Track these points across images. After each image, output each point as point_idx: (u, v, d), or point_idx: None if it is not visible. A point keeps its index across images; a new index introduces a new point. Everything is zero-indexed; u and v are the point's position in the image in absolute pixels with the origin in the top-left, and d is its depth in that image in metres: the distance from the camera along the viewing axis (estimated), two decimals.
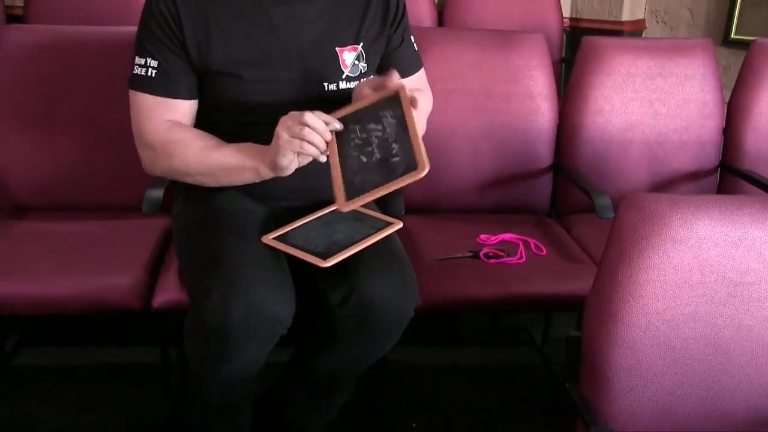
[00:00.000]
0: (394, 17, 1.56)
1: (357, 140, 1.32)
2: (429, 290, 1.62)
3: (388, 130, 1.30)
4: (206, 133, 1.46)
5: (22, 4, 3.06)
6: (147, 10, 1.45)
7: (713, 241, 1.13)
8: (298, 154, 1.30)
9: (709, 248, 1.14)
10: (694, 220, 1.13)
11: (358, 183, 1.27)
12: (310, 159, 1.31)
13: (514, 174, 2.10)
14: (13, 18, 3.04)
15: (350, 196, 1.26)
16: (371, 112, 1.33)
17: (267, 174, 1.37)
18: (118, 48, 1.90)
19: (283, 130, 1.29)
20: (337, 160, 1.31)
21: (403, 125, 1.28)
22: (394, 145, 1.27)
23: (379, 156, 1.28)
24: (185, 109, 1.48)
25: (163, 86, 1.44)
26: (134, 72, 1.46)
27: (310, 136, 1.28)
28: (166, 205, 1.71)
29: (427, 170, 1.22)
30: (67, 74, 1.94)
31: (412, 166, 1.23)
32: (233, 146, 1.41)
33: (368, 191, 1.25)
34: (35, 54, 1.93)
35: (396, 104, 1.31)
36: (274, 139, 1.30)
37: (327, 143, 1.30)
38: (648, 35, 3.47)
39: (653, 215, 1.14)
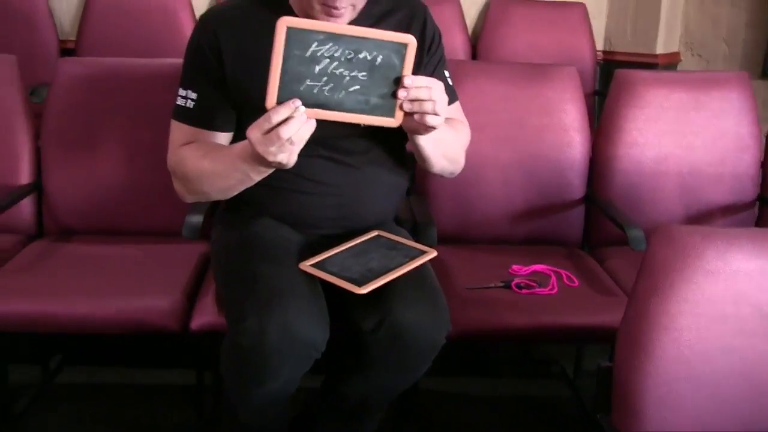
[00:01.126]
0: (429, 49, 1.58)
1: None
2: (460, 319, 1.63)
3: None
4: (203, 144, 1.48)
5: (75, 38, 3.19)
6: (190, 44, 1.51)
7: (747, 273, 1.14)
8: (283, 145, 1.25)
9: (743, 281, 1.14)
10: (727, 253, 1.14)
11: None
12: (302, 142, 1.26)
13: (546, 205, 2.11)
14: (66, 51, 3.16)
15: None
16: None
17: (258, 176, 1.38)
18: (163, 79, 1.97)
19: (252, 133, 1.26)
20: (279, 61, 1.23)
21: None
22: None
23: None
24: (218, 141, 1.52)
25: (198, 117, 1.50)
26: (176, 103, 1.52)
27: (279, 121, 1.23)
28: (206, 231, 1.75)
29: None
30: (114, 104, 2.02)
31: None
32: (220, 154, 1.42)
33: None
34: (85, 85, 2.02)
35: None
36: (251, 148, 1.28)
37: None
38: (683, 68, 3.47)
39: (686, 247, 1.15)
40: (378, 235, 1.55)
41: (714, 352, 1.16)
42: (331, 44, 1.23)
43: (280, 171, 1.39)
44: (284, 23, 1.20)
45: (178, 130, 1.52)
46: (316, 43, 1.22)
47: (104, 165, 2.02)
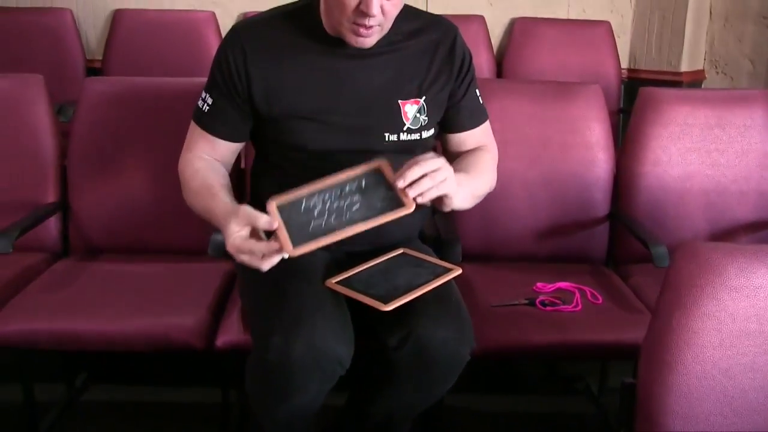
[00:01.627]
0: (459, 71, 1.59)
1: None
2: (485, 336, 1.63)
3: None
4: (211, 175, 1.54)
5: (101, 57, 3.26)
6: (219, 53, 1.55)
7: None
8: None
9: (766, 298, 1.13)
10: (750, 269, 1.14)
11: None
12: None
13: (571, 223, 2.10)
14: (92, 70, 3.22)
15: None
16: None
17: None
18: (188, 97, 1.97)
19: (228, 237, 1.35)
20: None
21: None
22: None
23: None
24: (224, 150, 1.58)
25: (208, 123, 1.56)
26: (197, 103, 1.58)
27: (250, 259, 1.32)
28: None
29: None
30: (140, 122, 2.05)
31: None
32: (215, 202, 1.48)
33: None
34: (112, 103, 2.05)
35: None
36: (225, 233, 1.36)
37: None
38: (708, 86, 3.46)
39: (709, 263, 1.14)
40: (403, 253, 1.56)
41: (737, 369, 1.15)
42: (317, 197, 1.37)
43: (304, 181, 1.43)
44: (273, 205, 1.36)
45: (192, 130, 1.59)
46: (304, 202, 1.36)
47: (130, 183, 2.05)
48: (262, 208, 1.58)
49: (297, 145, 1.52)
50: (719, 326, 1.14)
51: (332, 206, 1.35)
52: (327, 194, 1.37)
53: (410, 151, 1.51)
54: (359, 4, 1.38)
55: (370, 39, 1.45)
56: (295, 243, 1.29)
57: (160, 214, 2.04)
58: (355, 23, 1.41)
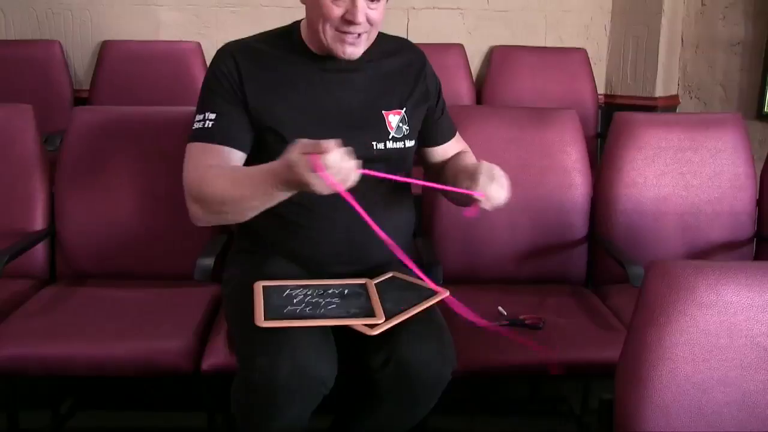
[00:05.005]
0: (437, 93, 1.74)
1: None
2: (467, 356, 1.66)
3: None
4: (225, 166, 1.51)
5: (88, 88, 3.30)
6: (209, 72, 1.60)
7: (740, 306, 1.17)
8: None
9: (736, 313, 1.17)
10: (719, 286, 1.18)
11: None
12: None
13: (550, 245, 2.15)
14: (79, 100, 3.25)
15: None
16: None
17: (283, 195, 1.41)
18: (175, 126, 2.03)
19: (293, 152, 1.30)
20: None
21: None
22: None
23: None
24: (235, 161, 1.54)
25: (218, 135, 1.53)
26: (194, 128, 1.56)
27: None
28: (216, 274, 1.80)
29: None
30: (127, 151, 2.08)
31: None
32: (247, 171, 1.47)
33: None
34: (99, 132, 2.08)
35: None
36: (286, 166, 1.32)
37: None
38: (682, 110, 3.54)
39: (679, 281, 1.18)
40: (393, 276, 1.60)
41: (711, 383, 1.18)
42: (301, 289, 1.46)
43: (290, 206, 1.48)
44: (259, 286, 1.47)
45: (197, 151, 1.53)
46: (288, 290, 1.47)
47: (116, 210, 2.07)
48: (252, 234, 1.63)
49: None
50: (691, 341, 1.17)
51: (311, 300, 1.44)
52: (310, 290, 1.48)
53: (396, 160, 1.61)
54: (345, 13, 1.45)
55: (357, 48, 1.52)
56: (267, 317, 1.36)
57: (146, 239, 2.07)
58: (340, 31, 1.48)
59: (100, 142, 2.08)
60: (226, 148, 1.53)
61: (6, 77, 3.16)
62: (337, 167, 1.27)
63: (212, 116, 1.54)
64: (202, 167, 1.50)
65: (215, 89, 1.56)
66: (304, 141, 1.29)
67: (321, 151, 1.26)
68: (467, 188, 1.48)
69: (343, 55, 1.52)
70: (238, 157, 1.55)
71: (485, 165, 1.49)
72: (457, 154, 1.78)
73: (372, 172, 1.38)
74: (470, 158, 1.76)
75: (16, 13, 3.36)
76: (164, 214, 2.04)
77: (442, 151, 1.78)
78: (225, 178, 1.46)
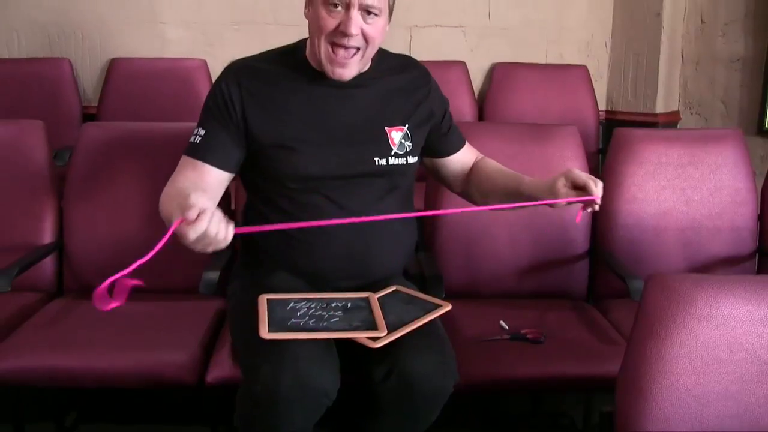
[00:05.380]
0: (443, 112, 1.76)
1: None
2: (469, 370, 1.68)
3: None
4: (183, 183, 1.54)
5: (96, 104, 3.35)
6: (213, 89, 1.63)
7: (739, 319, 1.18)
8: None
9: (736, 326, 1.18)
10: (718, 299, 1.19)
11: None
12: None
13: (552, 260, 2.16)
14: (87, 116, 3.29)
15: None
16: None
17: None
18: (180, 141, 2.02)
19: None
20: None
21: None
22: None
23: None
24: (212, 178, 1.58)
25: (199, 151, 1.58)
26: (189, 140, 1.61)
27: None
28: (221, 288, 1.82)
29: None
30: (134, 165, 2.12)
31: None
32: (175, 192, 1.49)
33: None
34: (108, 147, 2.12)
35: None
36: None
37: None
38: (683, 126, 3.55)
39: (678, 294, 1.20)
40: (396, 290, 1.62)
41: (711, 397, 1.19)
42: (305, 302, 1.49)
43: (292, 221, 1.53)
44: (263, 299, 1.48)
45: (182, 163, 1.60)
46: (292, 303, 1.49)
47: (124, 225, 2.10)
48: (255, 249, 1.66)
49: (290, 174, 1.59)
50: (691, 354, 1.18)
51: (315, 313, 1.46)
52: (314, 303, 1.50)
53: (398, 175, 1.64)
54: (339, 24, 1.48)
55: (348, 70, 1.55)
56: (271, 329, 1.38)
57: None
58: (335, 44, 1.51)
59: (108, 157, 2.12)
60: (207, 166, 1.58)
61: (18, 94, 3.22)
62: (201, 237, 1.25)
63: (202, 132, 1.59)
64: (173, 181, 1.57)
65: (210, 107, 1.61)
66: (191, 200, 1.25)
67: (187, 219, 1.24)
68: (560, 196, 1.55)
69: (332, 75, 1.55)
70: (215, 173, 1.58)
71: (575, 172, 1.55)
72: (496, 166, 1.79)
73: (246, 229, 1.42)
74: (504, 174, 1.77)
75: (29, 32, 3.42)
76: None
77: (458, 160, 1.81)
78: (164, 200, 1.53)
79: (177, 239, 1.27)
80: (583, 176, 1.54)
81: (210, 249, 1.30)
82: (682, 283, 1.21)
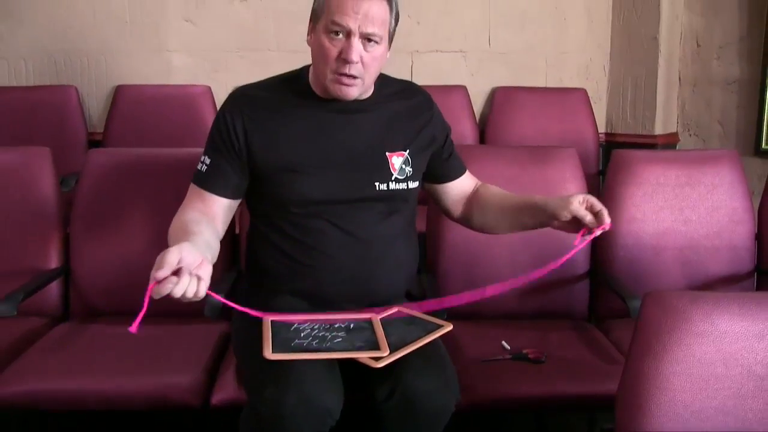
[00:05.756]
0: (445, 137, 1.79)
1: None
2: (471, 390, 1.70)
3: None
4: (195, 225, 1.54)
5: (102, 130, 3.40)
6: (217, 117, 1.67)
7: (734, 335, 1.20)
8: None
9: (731, 342, 1.20)
10: (713, 315, 1.21)
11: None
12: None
13: (553, 281, 2.18)
14: (93, 143, 3.34)
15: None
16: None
17: None
18: (186, 167, 2.06)
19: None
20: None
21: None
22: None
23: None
24: (218, 207, 1.63)
25: (205, 181, 1.63)
26: (196, 168, 1.66)
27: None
28: (226, 311, 1.84)
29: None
30: (139, 191, 2.15)
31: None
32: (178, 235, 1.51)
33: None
34: (113, 173, 2.16)
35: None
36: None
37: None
38: (682, 148, 3.59)
39: (674, 310, 1.22)
40: (398, 311, 1.64)
41: (709, 412, 1.20)
42: (308, 324, 1.51)
43: (296, 245, 1.57)
44: (268, 320, 1.51)
45: (190, 191, 1.66)
46: (296, 324, 1.52)
47: (129, 249, 2.13)
48: (260, 272, 1.68)
49: (293, 199, 1.62)
50: (688, 370, 1.20)
51: (318, 334, 1.48)
52: (317, 325, 1.52)
53: (398, 200, 1.67)
54: (341, 52, 1.52)
55: (352, 89, 1.59)
56: (275, 350, 1.41)
57: None
58: (337, 73, 1.55)
59: (114, 183, 2.15)
60: (213, 196, 1.63)
61: (25, 121, 3.26)
62: (176, 293, 1.28)
63: (208, 161, 1.64)
64: (183, 210, 1.62)
65: (215, 136, 1.65)
66: (170, 258, 1.27)
67: (156, 277, 1.26)
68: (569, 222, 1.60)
69: (338, 94, 1.59)
70: (222, 202, 1.64)
71: (580, 197, 1.58)
72: (497, 196, 1.81)
73: (217, 296, 1.43)
74: (511, 194, 1.81)
75: (37, 60, 3.48)
76: None
77: (457, 186, 1.84)
78: (171, 233, 1.55)
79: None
80: (600, 204, 1.57)
81: (185, 301, 1.32)
82: (678, 300, 1.23)
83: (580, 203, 1.57)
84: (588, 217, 1.54)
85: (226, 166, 1.63)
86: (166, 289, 1.25)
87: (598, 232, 1.58)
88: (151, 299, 1.28)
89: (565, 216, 1.58)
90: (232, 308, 1.77)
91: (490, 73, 3.68)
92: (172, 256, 1.27)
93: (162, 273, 1.25)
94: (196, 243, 1.38)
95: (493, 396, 1.73)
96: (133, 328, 1.29)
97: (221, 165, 1.63)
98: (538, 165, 2.24)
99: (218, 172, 1.63)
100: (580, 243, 1.59)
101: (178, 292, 1.26)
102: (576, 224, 1.60)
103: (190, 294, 1.28)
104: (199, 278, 1.28)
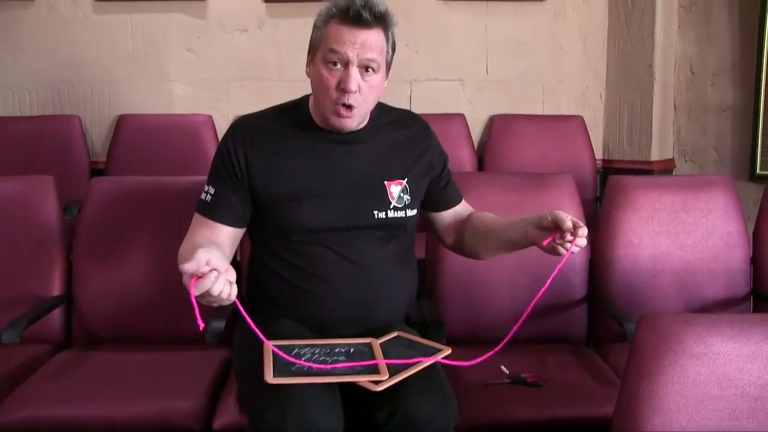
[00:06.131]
0: (442, 166, 1.81)
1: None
2: (470, 413, 1.71)
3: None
4: (207, 244, 1.55)
5: (104, 159, 3.45)
6: (220, 147, 1.70)
7: (728, 356, 1.22)
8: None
9: (725, 363, 1.22)
10: (707, 337, 1.23)
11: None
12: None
13: (551, 306, 2.20)
14: (95, 171, 3.37)
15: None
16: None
17: None
18: (187, 194, 2.10)
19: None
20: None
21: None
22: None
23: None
24: (225, 235, 1.66)
25: (212, 210, 1.66)
26: (200, 197, 1.69)
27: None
28: (227, 336, 1.86)
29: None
30: (142, 218, 2.18)
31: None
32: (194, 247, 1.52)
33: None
34: (116, 201, 2.19)
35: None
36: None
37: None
38: (678, 173, 3.62)
39: (669, 333, 1.24)
40: (398, 336, 1.66)
41: None
42: (309, 348, 1.54)
43: (297, 272, 1.60)
44: (269, 346, 1.49)
45: (195, 221, 1.68)
46: (297, 348, 1.53)
47: (131, 276, 2.15)
48: (260, 298, 1.70)
49: (294, 227, 1.65)
50: (683, 392, 1.22)
51: (318, 358, 1.50)
52: (318, 349, 1.54)
53: (397, 228, 1.69)
54: (339, 82, 1.55)
55: (350, 120, 1.62)
56: (276, 374, 1.43)
57: (159, 304, 2.14)
58: (337, 103, 1.58)
59: (116, 211, 2.18)
60: (219, 225, 1.66)
61: (30, 150, 3.30)
62: (208, 293, 1.31)
63: (212, 191, 1.67)
64: (190, 237, 1.65)
65: (218, 166, 1.68)
66: (199, 256, 1.30)
67: (197, 274, 1.29)
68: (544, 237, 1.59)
69: (337, 125, 1.62)
70: (227, 231, 1.66)
71: (551, 214, 1.57)
72: (489, 217, 1.83)
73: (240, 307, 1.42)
74: (499, 219, 1.81)
75: (41, 90, 3.54)
76: (177, 280, 2.06)
77: (452, 214, 1.87)
78: (180, 256, 1.58)
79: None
80: (561, 215, 1.56)
81: (214, 305, 1.36)
82: (672, 322, 1.25)
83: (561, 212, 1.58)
84: (567, 222, 1.54)
85: (230, 196, 1.66)
86: (207, 283, 1.28)
87: (577, 241, 1.57)
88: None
89: (547, 219, 1.57)
90: (233, 333, 1.80)
91: (487, 100, 3.72)
92: (202, 255, 1.30)
93: (190, 266, 1.28)
94: (218, 251, 1.41)
95: (492, 420, 1.74)
96: (200, 325, 1.32)
97: (226, 194, 1.66)
98: (535, 191, 2.27)
99: (223, 202, 1.66)
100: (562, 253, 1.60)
101: (215, 290, 1.30)
102: (553, 234, 1.59)
103: (225, 294, 1.32)
104: (229, 282, 1.33)
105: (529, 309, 1.61)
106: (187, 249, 1.57)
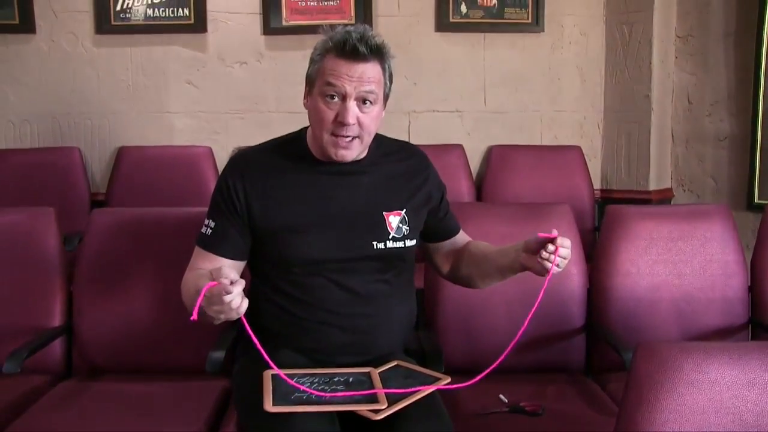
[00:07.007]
0: (441, 197, 1.83)
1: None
2: None
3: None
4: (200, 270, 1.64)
5: (104, 191, 3.47)
6: (219, 182, 1.73)
7: (725, 384, 1.21)
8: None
9: (722, 391, 1.21)
10: (704, 365, 1.23)
11: None
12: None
13: (549, 335, 2.20)
14: (96, 203, 3.38)
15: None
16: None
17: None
18: (187, 226, 2.12)
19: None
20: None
21: None
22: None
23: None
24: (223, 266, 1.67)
25: (211, 243, 1.68)
26: (201, 231, 1.71)
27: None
28: (227, 366, 1.86)
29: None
30: (142, 249, 2.19)
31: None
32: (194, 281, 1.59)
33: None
34: (116, 232, 2.20)
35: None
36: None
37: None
38: (676, 203, 3.64)
39: (666, 360, 1.24)
40: (397, 365, 1.67)
41: None
42: (308, 377, 1.55)
43: (296, 303, 1.61)
44: (268, 374, 1.52)
45: (196, 254, 1.71)
46: (296, 378, 1.53)
47: (132, 307, 2.16)
48: (260, 328, 1.70)
49: (293, 258, 1.66)
50: (681, 420, 1.21)
51: (318, 387, 1.51)
52: (317, 378, 1.55)
53: (395, 258, 1.70)
54: (337, 115, 1.57)
55: (349, 151, 1.64)
56: (275, 403, 1.44)
57: (159, 335, 2.14)
58: (334, 135, 1.60)
59: (116, 242, 2.19)
60: (219, 257, 1.67)
61: (30, 181, 3.33)
62: (219, 300, 1.37)
63: (212, 225, 1.69)
64: (191, 269, 1.67)
65: (218, 200, 1.70)
66: (224, 271, 1.38)
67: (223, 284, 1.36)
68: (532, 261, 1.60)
69: (335, 157, 1.64)
70: (227, 264, 1.66)
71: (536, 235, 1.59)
72: (480, 247, 1.84)
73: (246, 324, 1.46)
74: (491, 246, 1.83)
75: (41, 123, 3.57)
76: (177, 310, 2.08)
77: (451, 243, 1.88)
78: (185, 283, 1.63)
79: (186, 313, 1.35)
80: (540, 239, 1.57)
81: (222, 317, 1.40)
82: (669, 350, 1.26)
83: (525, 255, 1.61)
84: (550, 246, 1.55)
85: (231, 229, 1.67)
86: (236, 292, 1.35)
87: (560, 251, 1.58)
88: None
89: (532, 240, 1.60)
90: (233, 363, 1.81)
91: (486, 131, 3.75)
92: (226, 270, 1.38)
93: (226, 280, 1.35)
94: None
95: None
96: (194, 316, 1.39)
97: (226, 228, 1.67)
98: (533, 221, 2.28)
99: (224, 235, 1.67)
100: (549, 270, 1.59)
101: (228, 298, 1.34)
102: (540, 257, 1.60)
103: (235, 305, 1.36)
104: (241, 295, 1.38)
105: (526, 321, 1.63)
106: (193, 277, 1.60)
